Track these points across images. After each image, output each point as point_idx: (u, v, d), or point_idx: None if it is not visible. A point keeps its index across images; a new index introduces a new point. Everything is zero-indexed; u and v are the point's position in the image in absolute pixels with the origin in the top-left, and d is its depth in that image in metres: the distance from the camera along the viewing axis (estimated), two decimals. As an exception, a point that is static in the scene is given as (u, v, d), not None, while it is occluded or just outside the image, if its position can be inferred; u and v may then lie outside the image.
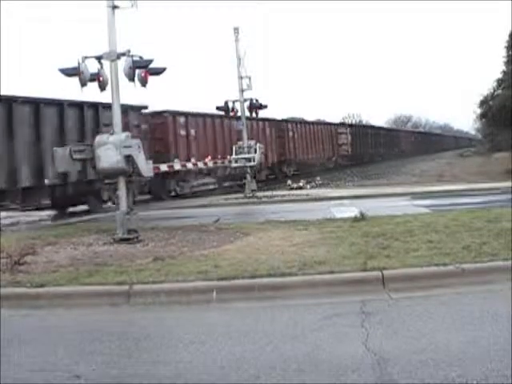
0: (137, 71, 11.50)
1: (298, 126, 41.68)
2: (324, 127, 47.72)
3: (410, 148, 79.93)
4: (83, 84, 11.53)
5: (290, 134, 39.53)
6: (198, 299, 7.48)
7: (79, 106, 19.78)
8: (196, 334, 6.21)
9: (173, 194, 25.86)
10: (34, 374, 5.29)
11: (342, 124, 57.55)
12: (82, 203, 21.24)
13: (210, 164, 28.04)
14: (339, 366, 5.04)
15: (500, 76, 47.41)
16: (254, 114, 25.31)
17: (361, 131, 58.79)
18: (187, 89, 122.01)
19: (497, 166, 34.20)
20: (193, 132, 27.41)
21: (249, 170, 23.82)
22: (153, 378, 5.09)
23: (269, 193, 24.94)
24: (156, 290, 7.71)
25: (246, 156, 23.76)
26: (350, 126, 58.69)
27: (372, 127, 67.30)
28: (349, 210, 14.90)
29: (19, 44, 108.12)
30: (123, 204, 11.74)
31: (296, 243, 10.02)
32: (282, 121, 39.72)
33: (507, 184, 20.38)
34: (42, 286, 8.01)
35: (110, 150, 11.40)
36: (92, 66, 11.64)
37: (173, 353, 5.77)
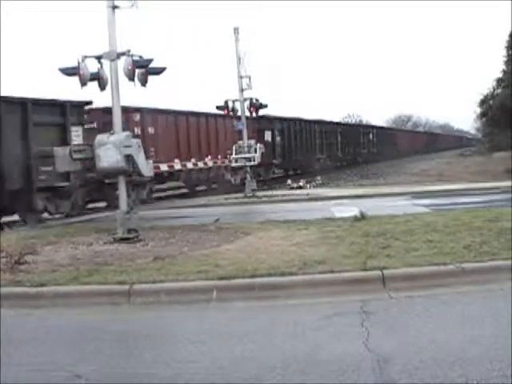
0: (137, 71, 11.49)
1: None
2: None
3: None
4: (83, 83, 11.53)
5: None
6: (198, 298, 7.47)
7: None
8: (196, 334, 6.21)
9: None
10: (34, 374, 5.28)
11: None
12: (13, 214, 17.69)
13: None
14: (339, 366, 5.03)
15: (500, 75, 47.56)
16: (253, 114, 25.28)
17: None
18: (187, 89, 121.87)
19: (497, 165, 34.18)
20: None
21: (249, 169, 23.87)
22: (153, 378, 5.09)
23: (269, 192, 25.01)
24: (156, 289, 7.71)
25: (247, 156, 23.84)
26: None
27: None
28: (349, 210, 14.87)
29: (19, 44, 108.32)
30: (123, 203, 11.75)
31: (296, 243, 10.01)
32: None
33: (507, 183, 20.38)
34: (42, 285, 8.00)
35: (110, 149, 11.38)
36: (92, 66, 11.65)
37: (173, 352, 5.78)
